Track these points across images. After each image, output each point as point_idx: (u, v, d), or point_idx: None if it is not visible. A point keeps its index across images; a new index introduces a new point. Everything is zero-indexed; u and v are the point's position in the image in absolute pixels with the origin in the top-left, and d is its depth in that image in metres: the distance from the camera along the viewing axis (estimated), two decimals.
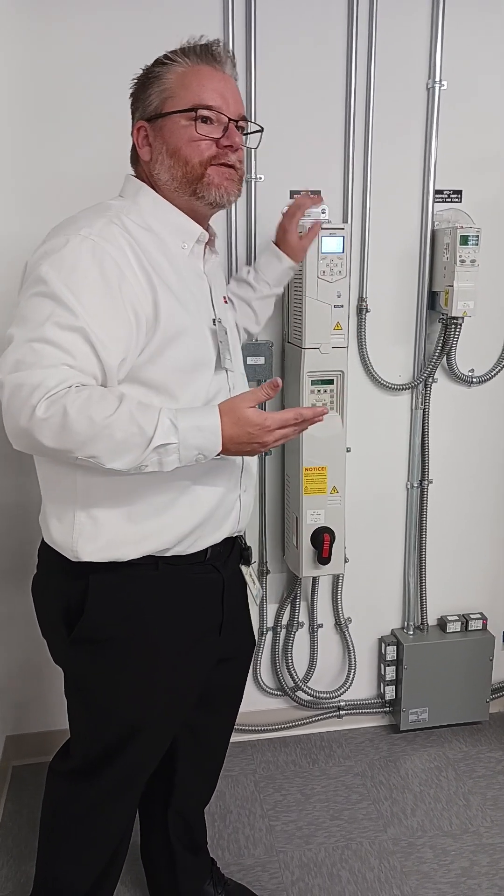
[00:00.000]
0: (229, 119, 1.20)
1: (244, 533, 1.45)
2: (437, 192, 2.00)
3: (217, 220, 1.88)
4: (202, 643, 1.32)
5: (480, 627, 2.27)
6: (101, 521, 1.19)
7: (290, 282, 1.89)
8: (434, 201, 2.00)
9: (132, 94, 1.25)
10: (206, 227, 1.29)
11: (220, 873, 1.68)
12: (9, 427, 1.05)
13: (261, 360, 1.98)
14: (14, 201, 1.81)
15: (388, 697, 2.27)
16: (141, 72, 1.24)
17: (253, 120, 1.84)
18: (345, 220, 1.97)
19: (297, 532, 1.98)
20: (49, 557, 1.27)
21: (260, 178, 1.91)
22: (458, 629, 2.26)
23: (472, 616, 2.27)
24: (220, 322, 1.27)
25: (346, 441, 1.97)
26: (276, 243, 1.71)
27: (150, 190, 1.23)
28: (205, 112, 1.18)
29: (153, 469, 1.08)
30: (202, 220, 1.27)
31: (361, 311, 2.03)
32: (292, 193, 1.93)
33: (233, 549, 1.38)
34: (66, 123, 1.79)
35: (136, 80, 1.25)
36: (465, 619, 2.27)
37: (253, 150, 1.86)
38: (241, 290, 1.68)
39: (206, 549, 1.28)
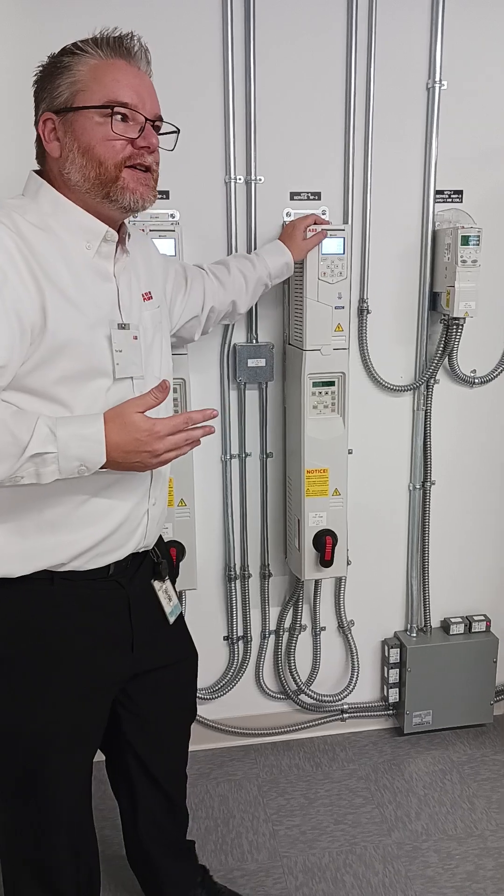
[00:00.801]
0: (146, 119, 1.13)
1: (152, 547, 1.35)
2: (437, 192, 1.99)
3: (217, 222, 1.90)
4: (106, 658, 1.27)
5: (484, 629, 2.26)
6: None
7: (290, 284, 1.90)
8: (435, 201, 2.00)
9: (36, 83, 1.17)
10: (119, 228, 1.22)
11: (213, 880, 1.65)
12: None
13: (262, 363, 1.97)
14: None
15: (391, 700, 2.26)
16: (47, 60, 1.16)
17: (253, 124, 1.85)
18: (345, 221, 1.96)
19: (299, 535, 1.98)
20: None
21: (259, 179, 1.90)
22: (462, 631, 2.25)
23: (475, 618, 2.26)
24: (125, 327, 1.18)
25: (348, 443, 1.96)
26: (282, 238, 1.76)
27: (49, 188, 1.15)
28: (121, 110, 1.11)
29: (29, 481, 1.02)
30: (112, 222, 1.19)
31: (362, 312, 2.02)
32: (292, 195, 1.93)
33: (142, 564, 1.32)
34: None
35: (40, 68, 1.16)
36: (468, 621, 2.26)
37: (253, 153, 1.87)
38: (240, 264, 1.67)
39: (108, 564, 1.23)
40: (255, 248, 1.93)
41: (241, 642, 2.18)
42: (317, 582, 2.17)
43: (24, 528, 1.14)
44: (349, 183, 1.94)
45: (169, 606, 1.37)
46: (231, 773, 2.13)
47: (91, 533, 1.18)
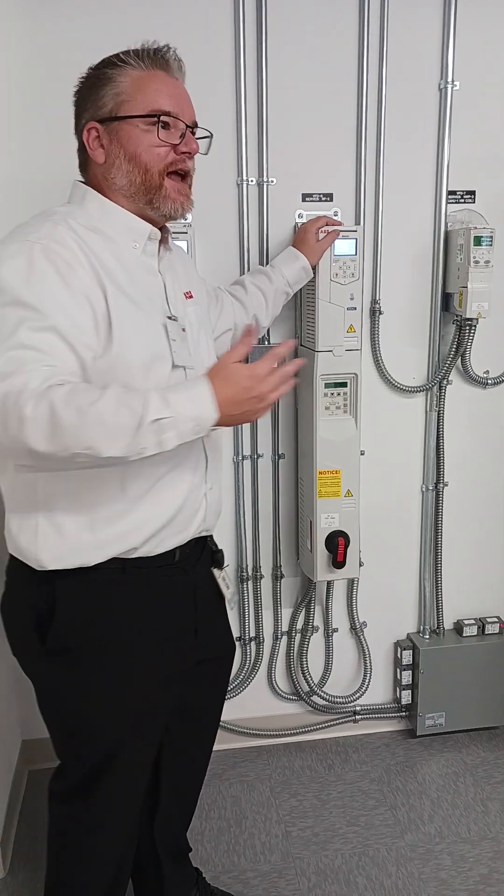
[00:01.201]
0: (186, 125, 1.21)
1: (212, 535, 1.40)
2: (450, 192, 1.99)
3: (230, 224, 1.91)
4: (176, 645, 1.31)
5: (497, 631, 2.25)
6: (64, 528, 1.18)
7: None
8: (447, 202, 1.99)
9: (78, 94, 1.23)
10: (161, 228, 1.28)
11: (206, 882, 1.67)
12: (8, 437, 1.02)
13: (274, 364, 1.96)
14: (15, 199, 1.80)
15: (404, 702, 2.26)
16: (88, 72, 1.22)
17: (265, 126, 1.86)
18: (357, 222, 1.96)
19: (312, 536, 1.97)
20: (16, 570, 1.26)
21: (272, 181, 1.90)
22: (475, 633, 2.24)
23: (488, 620, 2.25)
24: (174, 318, 1.25)
25: (360, 444, 1.96)
26: (295, 243, 1.78)
27: (95, 194, 1.23)
28: (165, 118, 1.19)
29: (153, 451, 1.05)
30: (153, 223, 1.26)
31: (375, 313, 2.02)
32: (304, 196, 1.93)
33: (203, 552, 1.36)
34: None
35: (82, 80, 1.23)
36: (481, 623, 2.25)
37: (265, 155, 1.88)
38: (257, 280, 1.71)
39: (174, 550, 1.27)
40: (267, 250, 1.93)
41: (253, 643, 2.18)
42: (329, 583, 2.16)
43: (94, 517, 1.18)
44: (361, 184, 1.94)
45: (227, 594, 1.43)
46: (243, 774, 2.13)
47: (156, 516, 1.22)
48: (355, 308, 1.84)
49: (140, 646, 1.25)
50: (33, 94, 1.77)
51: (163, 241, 1.29)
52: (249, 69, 1.84)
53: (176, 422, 1.04)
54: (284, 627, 2.20)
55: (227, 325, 1.62)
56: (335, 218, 1.89)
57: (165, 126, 1.19)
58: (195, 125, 1.25)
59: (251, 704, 2.22)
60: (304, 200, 1.93)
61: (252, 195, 1.90)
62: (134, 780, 1.34)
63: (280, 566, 2.15)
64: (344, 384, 1.90)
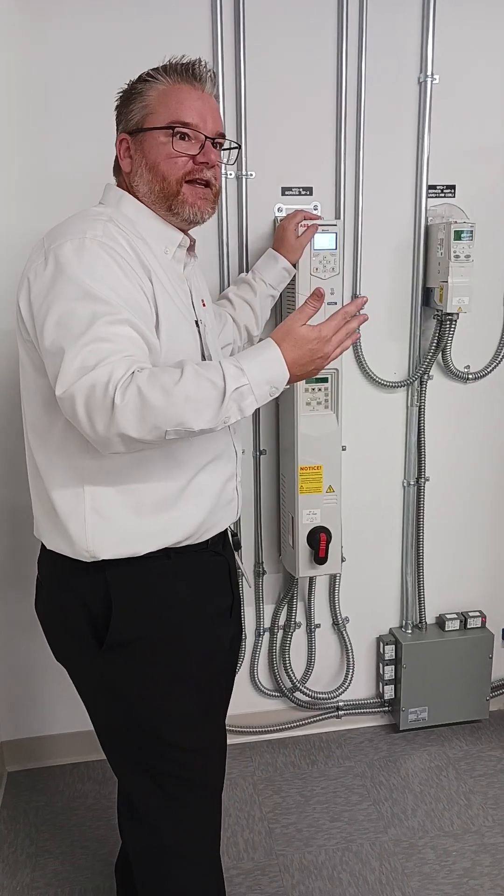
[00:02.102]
0: (206, 137, 1.24)
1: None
2: (430, 187, 1.98)
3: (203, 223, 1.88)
4: (221, 627, 1.33)
5: (479, 625, 2.25)
6: (112, 517, 1.19)
7: None
8: (427, 196, 1.99)
9: (116, 108, 1.29)
10: (186, 234, 1.32)
11: None
12: (97, 429, 1.05)
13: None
14: (13, 198, 1.80)
15: (387, 697, 2.26)
16: (126, 86, 1.28)
17: (244, 119, 1.84)
18: (337, 217, 1.95)
19: (293, 532, 1.97)
20: (55, 569, 1.25)
21: (251, 174, 1.89)
22: (457, 627, 2.25)
23: (470, 614, 2.26)
24: (203, 324, 1.30)
25: (342, 439, 1.95)
26: (275, 244, 1.78)
27: (131, 198, 1.26)
28: (182, 129, 1.22)
29: (235, 417, 1.09)
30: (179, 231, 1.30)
31: None
32: (284, 190, 1.92)
33: (226, 536, 1.39)
34: (59, 123, 1.77)
35: (120, 95, 1.28)
36: (463, 617, 2.25)
37: (243, 147, 1.86)
38: (241, 291, 1.74)
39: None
40: (246, 244, 1.92)
41: None
42: (311, 579, 2.16)
43: (141, 508, 1.20)
44: (341, 178, 1.93)
45: (246, 574, 1.50)
46: (226, 771, 2.11)
47: (200, 506, 1.25)
48: (336, 303, 1.82)
49: (195, 628, 1.26)
50: (39, 95, 1.76)
51: (190, 248, 1.33)
52: (227, 61, 1.82)
53: (252, 388, 1.09)
54: (267, 624, 2.19)
55: (228, 340, 1.67)
56: (314, 212, 1.88)
57: (184, 137, 1.23)
58: (220, 136, 1.28)
59: (234, 701, 2.15)
60: (283, 194, 1.92)
61: (231, 189, 1.89)
62: (220, 776, 1.33)
63: (262, 562, 2.14)
64: (325, 379, 1.89)
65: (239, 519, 2.07)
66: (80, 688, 1.30)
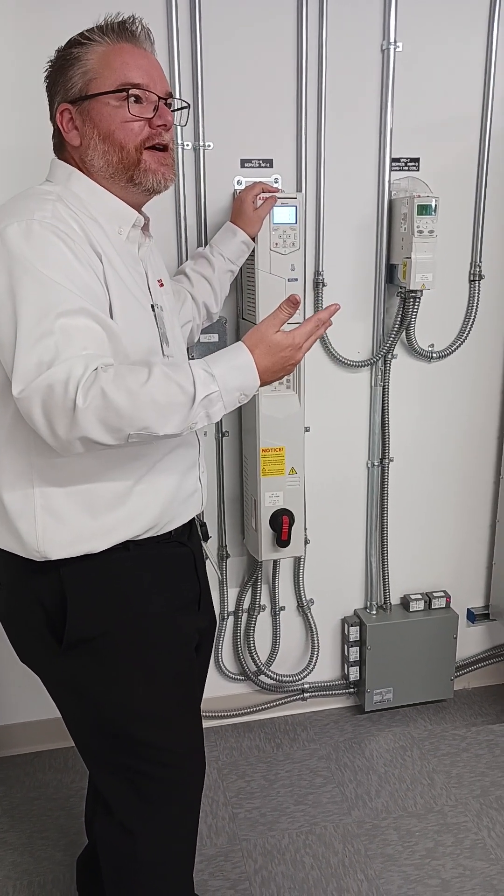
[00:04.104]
0: (158, 97, 1.16)
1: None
2: (393, 159, 1.93)
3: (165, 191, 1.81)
4: (186, 619, 1.28)
5: (444, 605, 2.25)
6: (64, 518, 1.13)
7: None
8: (391, 169, 1.93)
9: (47, 78, 1.19)
10: (140, 212, 1.24)
11: None
12: (57, 433, 1.00)
13: (214, 338, 1.90)
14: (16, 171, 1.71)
15: (352, 678, 2.25)
16: (55, 54, 1.18)
17: (200, 86, 1.77)
18: (298, 190, 1.89)
19: (256, 515, 1.93)
20: (10, 568, 1.19)
21: (209, 145, 1.82)
22: (422, 608, 2.24)
23: (435, 594, 2.25)
24: (159, 308, 1.24)
25: (305, 420, 1.91)
26: (232, 216, 1.71)
27: (82, 175, 1.18)
28: (135, 91, 1.14)
29: (202, 423, 1.06)
30: (136, 207, 1.23)
31: (318, 285, 1.96)
32: (243, 162, 1.85)
33: (192, 525, 1.35)
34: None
35: (50, 63, 1.18)
36: (428, 598, 2.25)
37: (201, 118, 1.79)
38: (199, 266, 1.67)
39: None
40: (205, 217, 1.86)
41: None
42: (275, 562, 2.13)
43: (94, 505, 1.15)
44: (302, 150, 1.87)
45: (214, 565, 1.47)
46: None
47: (156, 501, 1.20)
48: (297, 279, 1.77)
49: (160, 620, 1.21)
50: (35, 65, 1.64)
51: (144, 228, 1.26)
52: (182, 26, 1.74)
53: (222, 394, 1.06)
54: (231, 607, 2.16)
55: (188, 318, 1.61)
56: (274, 185, 1.82)
57: (137, 99, 1.14)
58: (169, 96, 1.20)
59: None
60: (242, 166, 1.85)
61: (188, 160, 1.82)
62: (198, 777, 1.28)
63: (225, 546, 2.10)
64: None
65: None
66: (49, 688, 1.25)
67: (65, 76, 1.15)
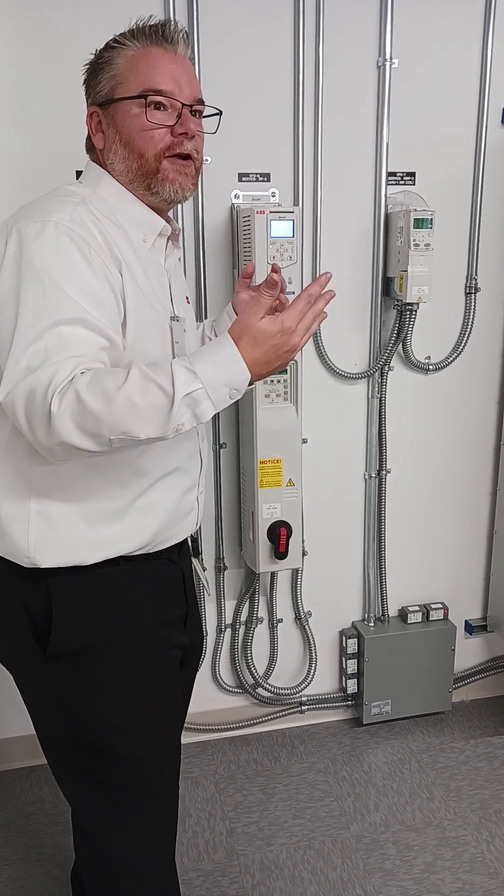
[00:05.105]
0: (183, 104, 1.12)
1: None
2: (389, 174, 1.95)
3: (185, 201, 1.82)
4: (172, 636, 1.27)
5: (442, 617, 2.25)
6: (59, 525, 1.12)
7: (239, 268, 1.84)
8: (387, 183, 1.95)
9: (84, 82, 1.19)
10: (168, 220, 1.22)
11: None
12: (38, 438, 0.98)
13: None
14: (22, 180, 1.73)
15: (350, 691, 2.24)
16: (91, 57, 1.17)
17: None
18: (295, 203, 1.90)
19: (254, 527, 1.93)
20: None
21: (206, 160, 1.82)
22: (420, 619, 2.24)
23: (433, 606, 2.25)
24: (177, 319, 1.20)
25: (302, 432, 1.92)
26: (234, 301, 1.57)
27: (111, 179, 1.16)
28: (156, 98, 1.11)
29: (191, 424, 0.99)
30: (160, 214, 1.21)
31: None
32: (241, 176, 1.87)
33: (184, 542, 1.34)
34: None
35: (86, 66, 1.18)
36: (426, 609, 2.24)
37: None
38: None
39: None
40: (203, 231, 1.87)
41: None
42: (273, 574, 2.13)
43: (91, 516, 1.13)
44: (299, 164, 1.89)
45: (204, 580, 1.45)
46: (188, 770, 2.08)
47: (154, 520, 1.18)
48: (294, 293, 1.78)
49: (147, 635, 1.20)
50: (40, 74, 1.68)
51: (172, 238, 1.23)
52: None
53: (207, 392, 0.98)
54: (228, 620, 2.15)
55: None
56: (273, 199, 1.82)
57: (159, 106, 1.11)
58: (198, 102, 1.16)
59: (195, 699, 2.11)
60: (240, 180, 1.87)
61: None
62: (173, 785, 1.27)
63: (223, 558, 2.10)
64: (284, 371, 1.85)
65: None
66: (25, 695, 1.24)
67: (95, 80, 1.15)
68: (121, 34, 1.14)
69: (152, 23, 1.14)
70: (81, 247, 1.03)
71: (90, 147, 1.20)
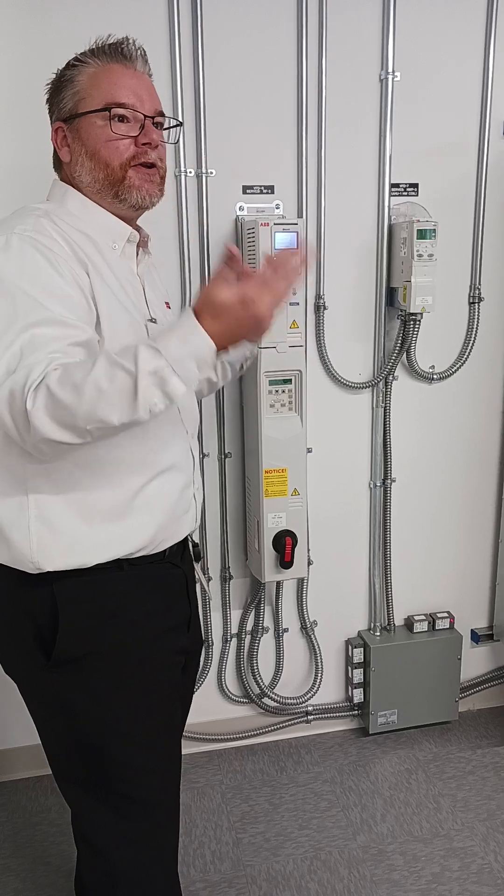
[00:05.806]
0: (145, 116, 1.19)
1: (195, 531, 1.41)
2: (393, 185, 1.97)
3: (168, 216, 1.85)
4: (176, 642, 1.28)
5: (448, 626, 2.24)
6: (59, 526, 1.14)
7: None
8: (390, 195, 1.97)
9: (47, 100, 1.24)
10: (137, 228, 1.27)
11: None
12: (24, 438, 1.01)
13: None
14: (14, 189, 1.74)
15: (356, 700, 2.24)
16: (53, 76, 1.23)
17: (203, 115, 1.80)
18: (299, 215, 1.92)
19: (259, 536, 1.93)
20: (0, 579, 1.19)
21: (211, 172, 1.85)
22: (426, 628, 2.24)
23: (439, 615, 2.24)
24: (154, 321, 1.24)
25: (307, 442, 1.93)
26: None
27: (75, 192, 1.21)
28: (119, 110, 1.17)
29: (163, 404, 0.99)
30: (128, 222, 1.25)
31: (319, 308, 1.98)
32: (245, 189, 1.88)
33: (185, 546, 1.35)
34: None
35: (49, 85, 1.23)
36: (432, 619, 2.24)
37: (203, 145, 1.82)
38: None
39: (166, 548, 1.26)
40: (207, 243, 1.88)
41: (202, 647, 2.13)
42: (278, 583, 2.13)
43: (90, 514, 1.14)
44: (303, 176, 1.90)
45: (206, 585, 1.47)
46: (193, 780, 2.08)
47: (153, 518, 1.20)
48: (298, 303, 1.80)
49: (150, 642, 1.21)
50: (34, 83, 1.67)
51: (141, 244, 1.28)
52: (185, 56, 1.78)
53: (173, 367, 0.98)
54: (234, 629, 2.15)
55: None
56: (277, 210, 1.84)
57: (122, 119, 1.17)
58: (158, 114, 1.22)
59: (201, 708, 2.17)
60: (244, 193, 1.89)
61: (191, 187, 1.85)
62: (174, 795, 1.28)
63: (228, 567, 2.10)
64: (288, 381, 1.86)
65: (203, 526, 2.05)
66: (29, 703, 1.25)
67: (59, 96, 1.20)
68: (81, 53, 1.20)
69: (111, 41, 1.19)
70: (45, 254, 1.07)
71: (57, 164, 1.25)
